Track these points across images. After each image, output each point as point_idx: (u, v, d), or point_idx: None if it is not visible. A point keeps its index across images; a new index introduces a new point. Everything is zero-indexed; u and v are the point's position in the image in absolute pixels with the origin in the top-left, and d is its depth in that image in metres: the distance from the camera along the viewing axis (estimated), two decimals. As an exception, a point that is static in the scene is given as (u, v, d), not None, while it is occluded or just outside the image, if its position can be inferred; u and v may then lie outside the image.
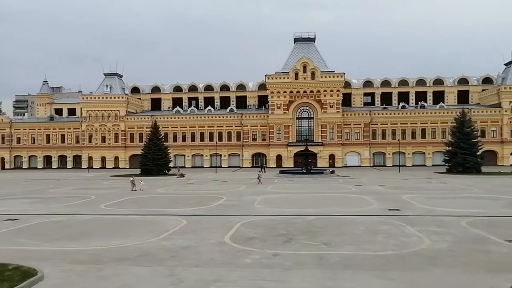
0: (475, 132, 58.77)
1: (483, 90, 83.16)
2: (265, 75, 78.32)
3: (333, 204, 25.16)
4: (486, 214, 20.55)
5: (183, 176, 53.63)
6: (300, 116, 78.67)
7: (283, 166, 74.20)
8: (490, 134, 75.60)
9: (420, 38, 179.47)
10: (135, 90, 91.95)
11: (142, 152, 61.31)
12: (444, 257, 12.66)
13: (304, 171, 55.80)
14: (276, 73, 78.90)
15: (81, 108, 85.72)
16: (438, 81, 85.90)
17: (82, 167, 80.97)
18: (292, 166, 73.02)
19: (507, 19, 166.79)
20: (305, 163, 59.23)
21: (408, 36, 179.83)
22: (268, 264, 12.12)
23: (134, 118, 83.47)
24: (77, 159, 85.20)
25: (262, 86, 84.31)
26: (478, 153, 56.28)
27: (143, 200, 28.61)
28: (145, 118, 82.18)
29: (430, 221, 18.72)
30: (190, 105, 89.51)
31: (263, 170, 57.47)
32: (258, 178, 41.69)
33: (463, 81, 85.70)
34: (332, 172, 56.00)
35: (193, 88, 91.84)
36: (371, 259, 12.49)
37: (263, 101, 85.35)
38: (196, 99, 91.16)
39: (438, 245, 14.14)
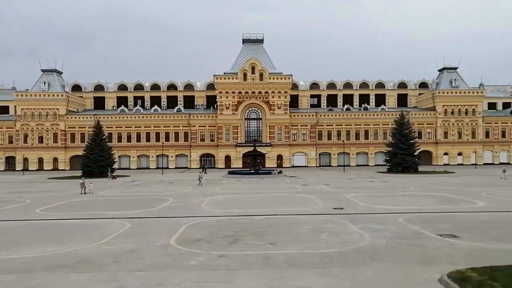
0: (412, 134, 62.36)
1: (420, 94, 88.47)
2: (214, 75, 77.90)
3: (280, 204, 25.51)
4: (421, 211, 21.82)
5: (115, 178, 51.78)
6: (248, 116, 79.12)
7: (231, 166, 74.19)
8: (426, 136, 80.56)
9: (364, 42, 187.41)
10: (77, 88, 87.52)
11: (84, 153, 58.52)
12: (383, 252, 13.25)
13: (252, 171, 56.16)
14: (224, 73, 78.76)
15: (15, 106, 79.93)
16: (380, 85, 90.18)
17: (16, 169, 75.70)
18: (241, 166, 73.23)
19: (442, 28, 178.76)
20: (254, 163, 59.67)
21: (352, 41, 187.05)
22: (214, 265, 12.00)
23: (75, 118, 79.40)
24: (10, 161, 79.47)
25: (211, 86, 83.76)
26: (415, 154, 59.82)
27: (84, 204, 27.27)
28: (87, 118, 78.45)
29: (371, 219, 19.53)
30: (135, 105, 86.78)
31: (204, 171, 56.86)
32: (199, 180, 41.06)
33: (402, 85, 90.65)
34: (280, 172, 56.87)
35: (138, 87, 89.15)
36: (315, 257, 12.77)
37: (211, 101, 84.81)
38: (142, 98, 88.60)
39: (378, 241, 14.77)
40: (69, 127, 78.64)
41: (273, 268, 11.63)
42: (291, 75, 78.35)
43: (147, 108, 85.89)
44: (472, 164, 75.30)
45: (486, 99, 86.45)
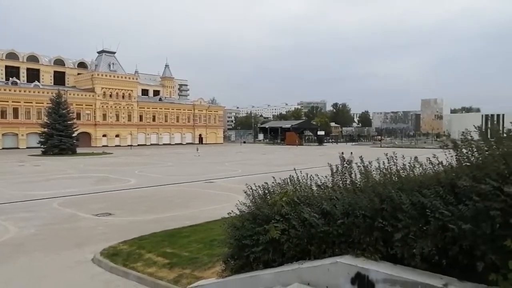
0: (71, 114, 60.25)
1: (79, 74, 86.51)
2: None
3: None
4: (77, 193, 21.19)
5: None
6: None
7: None
8: (85, 117, 79.86)
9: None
10: None
11: None
12: (31, 242, 11.85)
13: None
14: None
15: None
16: (33, 58, 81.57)
17: None
18: None
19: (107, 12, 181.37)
20: None
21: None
22: None
23: None
24: None
25: None
26: (73, 135, 58.21)
27: None
28: None
29: (19, 207, 17.25)
30: None
31: None
32: None
33: (60, 62, 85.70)
34: None
35: None
36: None
37: None
38: None
39: (26, 231, 13.14)
40: None
41: None
42: None
43: None
44: (128, 145, 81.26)
45: (141, 86, 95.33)
